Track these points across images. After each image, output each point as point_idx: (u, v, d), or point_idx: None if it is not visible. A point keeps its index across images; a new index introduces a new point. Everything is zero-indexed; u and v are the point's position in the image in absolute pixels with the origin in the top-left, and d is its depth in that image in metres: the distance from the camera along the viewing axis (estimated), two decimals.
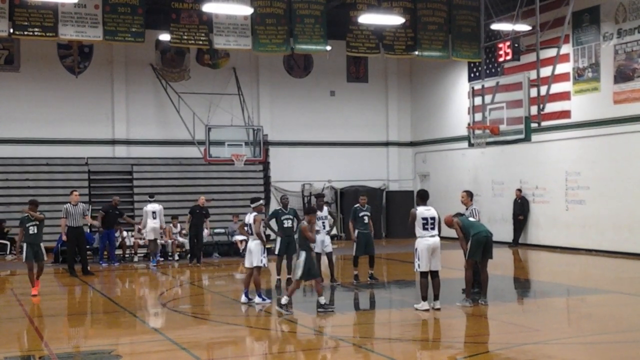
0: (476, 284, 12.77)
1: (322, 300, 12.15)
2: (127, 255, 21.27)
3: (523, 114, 17.47)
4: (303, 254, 12.13)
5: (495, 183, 25.24)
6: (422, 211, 12.19)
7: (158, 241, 20.59)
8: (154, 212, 20.27)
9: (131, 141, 26.00)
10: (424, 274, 12.17)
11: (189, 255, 21.16)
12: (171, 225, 21.80)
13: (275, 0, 21.25)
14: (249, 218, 13.12)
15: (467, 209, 13.43)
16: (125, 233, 21.42)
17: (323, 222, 15.48)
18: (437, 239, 12.12)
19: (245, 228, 13.23)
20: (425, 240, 12.07)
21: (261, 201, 13.57)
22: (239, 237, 21.57)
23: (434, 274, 12.22)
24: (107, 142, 25.80)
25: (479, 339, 10.73)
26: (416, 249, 12.19)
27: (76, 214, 17.83)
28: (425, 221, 12.10)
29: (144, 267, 20.06)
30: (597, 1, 20.99)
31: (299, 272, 12.18)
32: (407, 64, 29.27)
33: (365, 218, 15.57)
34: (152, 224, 20.12)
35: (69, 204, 17.89)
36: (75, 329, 11.89)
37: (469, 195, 13.70)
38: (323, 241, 15.37)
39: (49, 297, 15.30)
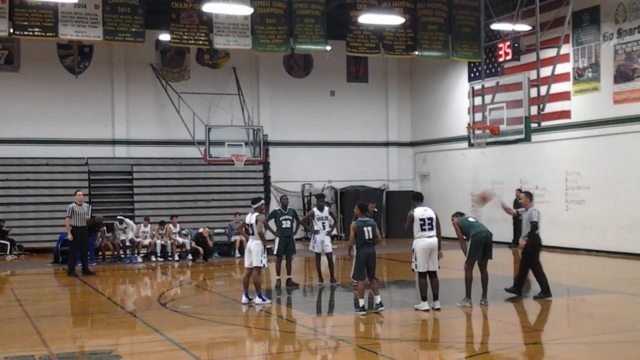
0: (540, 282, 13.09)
1: (378, 299, 12.02)
2: (124, 255, 21.24)
3: (523, 114, 17.49)
4: (356, 254, 12.08)
5: (495, 183, 25.20)
6: (419, 212, 12.22)
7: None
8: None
9: (131, 141, 25.99)
10: (422, 274, 12.18)
11: (189, 256, 21.24)
12: (170, 225, 21.77)
13: (275, 0, 21.26)
14: (250, 218, 13.11)
15: (526, 210, 13.33)
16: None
17: (323, 223, 15.50)
18: (435, 239, 12.13)
19: (246, 228, 13.21)
20: (422, 241, 12.09)
21: (262, 201, 13.59)
22: (237, 237, 21.59)
23: (432, 274, 12.24)
24: (107, 142, 25.79)
25: (479, 339, 10.75)
26: (413, 250, 12.22)
27: (81, 213, 17.87)
28: (422, 222, 12.12)
29: (145, 266, 20.11)
30: (597, 1, 20.98)
31: (352, 271, 12.16)
32: (407, 64, 29.28)
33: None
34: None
35: (74, 204, 17.91)
36: (75, 329, 11.88)
37: (528, 196, 13.56)
38: (323, 241, 15.43)
39: (49, 297, 15.32)
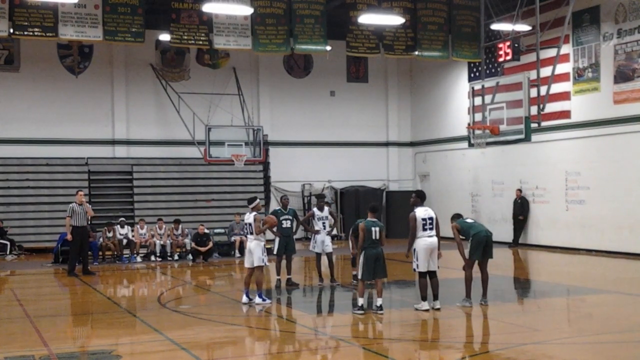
0: None
1: (379, 301, 12.00)
2: (125, 254, 21.28)
3: (523, 114, 17.48)
4: (362, 254, 12.07)
5: (495, 183, 25.24)
6: (421, 212, 12.22)
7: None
8: None
9: (131, 141, 25.99)
10: (422, 274, 12.19)
11: (189, 256, 21.24)
12: (172, 226, 21.74)
13: (275, 0, 21.26)
14: (249, 218, 13.14)
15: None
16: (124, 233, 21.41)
17: (324, 223, 15.52)
18: (435, 239, 12.15)
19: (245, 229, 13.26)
20: (423, 241, 12.09)
21: (258, 200, 13.57)
22: (237, 237, 21.61)
23: (432, 274, 12.24)
24: (107, 142, 25.79)
25: (479, 339, 10.75)
26: (414, 249, 12.22)
27: (81, 213, 17.87)
28: (424, 222, 12.13)
29: (144, 266, 20.11)
30: (597, 1, 20.99)
31: (360, 272, 12.12)
32: (407, 64, 29.27)
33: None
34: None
35: (74, 204, 17.94)
36: (76, 329, 11.89)
37: None
38: (323, 241, 15.45)
39: (49, 297, 15.32)
